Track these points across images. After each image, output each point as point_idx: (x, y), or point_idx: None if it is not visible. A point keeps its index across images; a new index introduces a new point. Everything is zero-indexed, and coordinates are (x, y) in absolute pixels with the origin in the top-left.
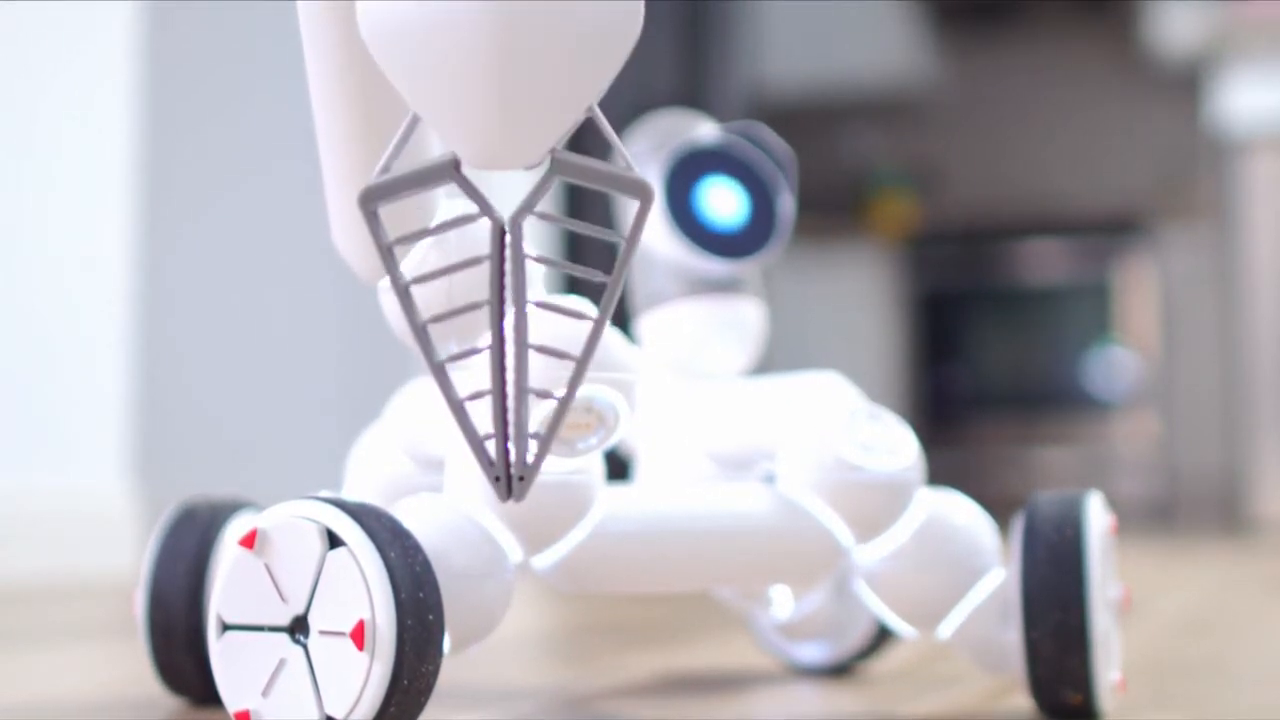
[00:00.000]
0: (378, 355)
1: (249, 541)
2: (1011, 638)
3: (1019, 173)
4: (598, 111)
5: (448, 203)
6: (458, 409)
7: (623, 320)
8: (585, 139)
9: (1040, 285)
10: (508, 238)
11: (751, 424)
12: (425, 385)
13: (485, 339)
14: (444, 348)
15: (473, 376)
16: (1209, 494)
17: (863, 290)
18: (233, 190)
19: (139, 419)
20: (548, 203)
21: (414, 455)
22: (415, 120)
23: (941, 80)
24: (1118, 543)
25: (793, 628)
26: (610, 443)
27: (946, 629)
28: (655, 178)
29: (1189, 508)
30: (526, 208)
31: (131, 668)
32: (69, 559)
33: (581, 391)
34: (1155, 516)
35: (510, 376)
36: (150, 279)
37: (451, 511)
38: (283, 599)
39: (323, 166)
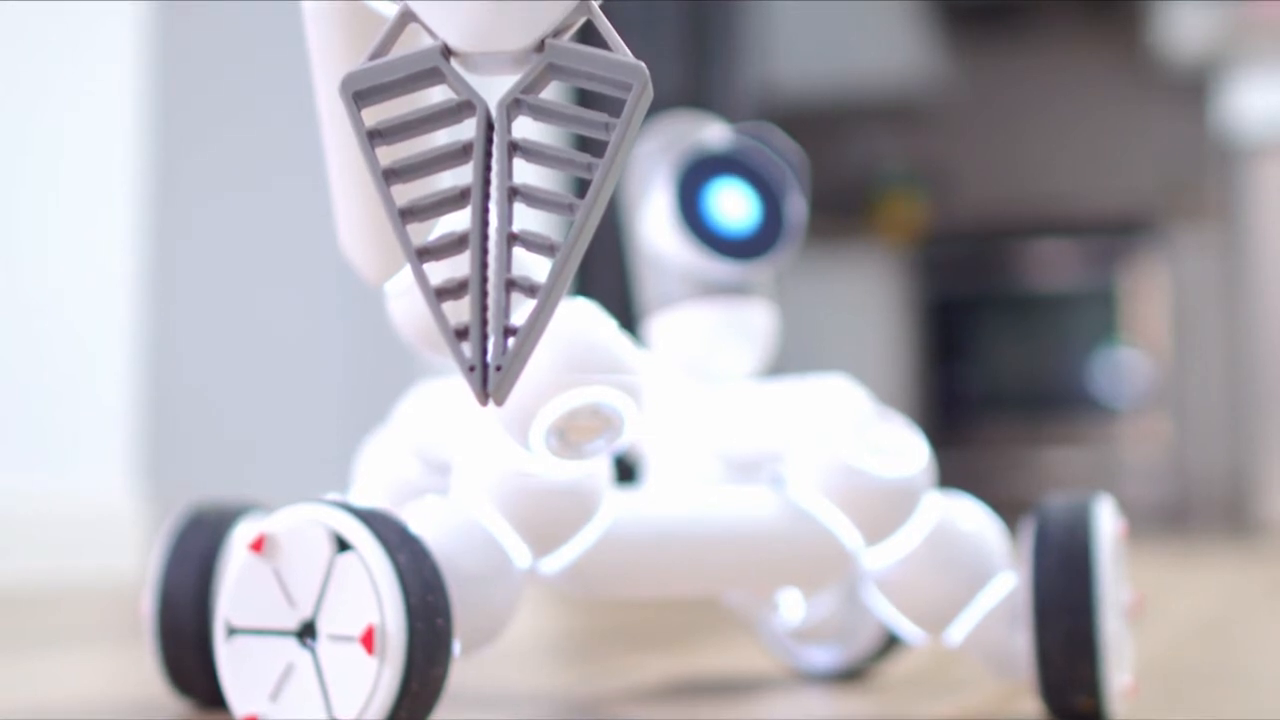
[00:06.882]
0: (385, 358)
1: (257, 545)
2: (1022, 642)
3: (1028, 175)
4: (595, 9)
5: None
6: (431, 297)
7: (632, 323)
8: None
9: (1049, 288)
10: (495, 126)
11: (760, 427)
12: (434, 388)
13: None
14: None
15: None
16: (1219, 497)
17: (871, 292)
18: (240, 191)
19: (146, 421)
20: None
21: (422, 458)
22: (407, 16)
23: (950, 83)
24: (1127, 546)
25: (803, 632)
26: (618, 446)
27: (957, 633)
28: (665, 180)
29: (1199, 511)
30: (514, 93)
31: (138, 670)
32: (75, 561)
33: (589, 395)
34: (1165, 520)
35: (491, 266)
36: (157, 281)
37: (460, 515)
38: (291, 603)
39: (329, 169)
